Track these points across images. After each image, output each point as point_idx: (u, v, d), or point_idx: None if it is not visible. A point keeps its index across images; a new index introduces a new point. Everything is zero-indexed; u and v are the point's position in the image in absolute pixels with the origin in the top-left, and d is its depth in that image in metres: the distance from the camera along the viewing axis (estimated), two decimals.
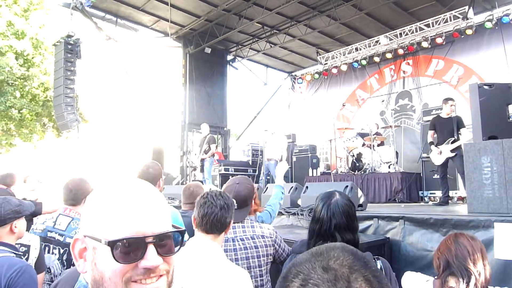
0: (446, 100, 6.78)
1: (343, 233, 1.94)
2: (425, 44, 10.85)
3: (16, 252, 2.19)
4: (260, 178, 9.78)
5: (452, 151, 6.41)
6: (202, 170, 10.10)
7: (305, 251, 0.69)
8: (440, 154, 6.58)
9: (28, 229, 2.85)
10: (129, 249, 0.73)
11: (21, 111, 16.14)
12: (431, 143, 6.79)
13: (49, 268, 2.57)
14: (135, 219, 0.75)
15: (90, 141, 18.46)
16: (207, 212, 1.94)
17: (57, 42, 10.65)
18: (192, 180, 10.68)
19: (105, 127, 21.68)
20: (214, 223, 1.93)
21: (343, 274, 0.60)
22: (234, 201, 2.10)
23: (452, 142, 6.42)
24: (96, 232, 0.75)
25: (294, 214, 5.22)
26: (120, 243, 0.73)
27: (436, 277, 2.16)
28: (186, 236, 2.81)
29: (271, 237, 2.48)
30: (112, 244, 0.73)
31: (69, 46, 10.26)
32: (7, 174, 3.98)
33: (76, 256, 0.79)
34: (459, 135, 6.46)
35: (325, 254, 0.64)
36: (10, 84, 15.53)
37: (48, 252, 2.58)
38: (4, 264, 1.99)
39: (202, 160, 9.97)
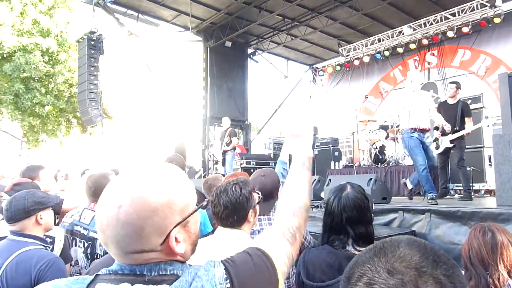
0: (450, 82, 6.44)
1: (355, 227, 1.89)
2: (450, 34, 10.43)
3: (45, 245, 2.21)
4: None
5: (451, 141, 6.04)
6: (223, 164, 10.13)
7: (367, 248, 0.65)
8: (440, 143, 6.21)
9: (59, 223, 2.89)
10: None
11: (46, 108, 16.52)
12: (436, 128, 6.27)
13: (77, 260, 2.60)
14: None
15: (114, 136, 18.77)
16: (214, 211, 1.88)
17: (81, 38, 10.83)
18: (214, 173, 10.75)
19: (128, 122, 21.99)
20: (223, 220, 1.84)
21: (411, 279, 0.56)
22: (259, 193, 2.03)
23: (454, 133, 5.99)
24: (187, 211, 0.94)
25: (317, 207, 5.19)
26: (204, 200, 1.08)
27: (464, 270, 2.11)
28: (210, 227, 2.85)
29: None
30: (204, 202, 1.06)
31: (92, 42, 10.41)
32: (33, 166, 3.84)
33: (174, 248, 0.90)
34: (465, 125, 6.00)
35: (389, 253, 0.60)
36: (36, 80, 15.91)
37: (75, 245, 2.61)
38: (34, 257, 2.02)
39: (224, 153, 9.99)
